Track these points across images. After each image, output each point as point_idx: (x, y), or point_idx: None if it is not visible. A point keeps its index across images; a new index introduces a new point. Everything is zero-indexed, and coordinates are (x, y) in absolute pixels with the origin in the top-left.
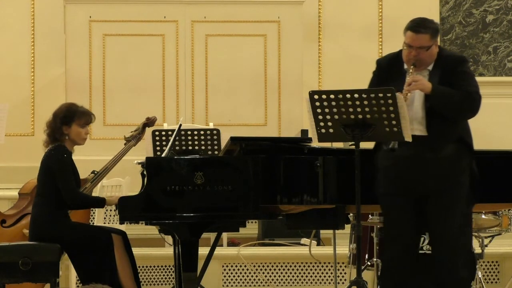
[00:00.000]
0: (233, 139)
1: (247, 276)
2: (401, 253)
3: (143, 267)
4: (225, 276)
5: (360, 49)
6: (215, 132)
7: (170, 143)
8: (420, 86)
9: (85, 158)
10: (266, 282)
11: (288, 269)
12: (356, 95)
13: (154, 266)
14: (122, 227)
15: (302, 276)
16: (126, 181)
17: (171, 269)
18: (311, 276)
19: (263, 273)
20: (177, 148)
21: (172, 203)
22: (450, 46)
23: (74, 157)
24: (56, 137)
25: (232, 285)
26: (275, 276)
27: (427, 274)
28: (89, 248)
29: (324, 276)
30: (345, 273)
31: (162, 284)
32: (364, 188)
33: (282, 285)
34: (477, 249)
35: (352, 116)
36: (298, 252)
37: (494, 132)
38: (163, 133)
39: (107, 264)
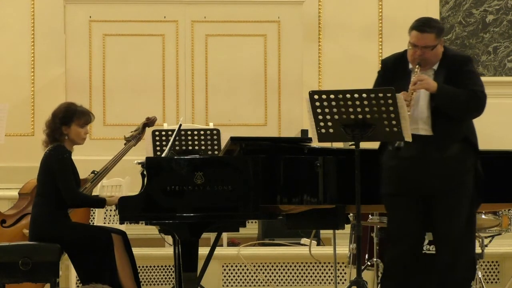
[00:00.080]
0: (233, 139)
1: (247, 276)
2: (405, 253)
3: (143, 267)
4: (225, 276)
5: (360, 49)
6: (215, 132)
7: (170, 143)
8: (426, 85)
9: (85, 158)
10: (266, 282)
11: (288, 269)
12: (356, 95)
13: (154, 266)
14: (122, 227)
15: (302, 276)
16: (126, 181)
17: (171, 269)
18: (311, 276)
19: (263, 273)
20: (177, 148)
21: (172, 203)
22: (450, 46)
23: (74, 157)
24: (55, 137)
25: (232, 285)
26: (275, 276)
27: (428, 274)
28: (89, 248)
29: (324, 276)
30: (345, 273)
31: (162, 284)
32: (364, 188)
33: (282, 285)
34: (477, 249)
35: (352, 116)
36: (298, 252)
37: (494, 132)
38: (163, 133)
39: (107, 264)
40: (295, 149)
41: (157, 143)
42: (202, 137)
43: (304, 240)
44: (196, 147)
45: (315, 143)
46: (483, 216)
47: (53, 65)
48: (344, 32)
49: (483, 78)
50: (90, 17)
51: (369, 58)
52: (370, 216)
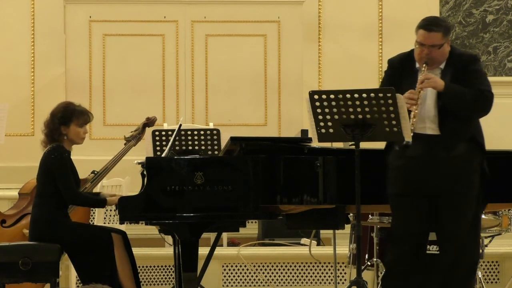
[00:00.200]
0: (233, 139)
1: (247, 276)
2: (406, 254)
3: (143, 267)
4: (225, 276)
5: (360, 49)
6: (215, 132)
7: (170, 143)
8: (433, 84)
9: (85, 158)
10: (266, 282)
11: (288, 269)
12: (356, 95)
13: (154, 266)
14: (122, 227)
15: (302, 276)
16: (126, 181)
17: (171, 269)
18: (311, 276)
19: (263, 273)
20: (177, 148)
21: (172, 203)
22: None
23: (74, 157)
24: (54, 137)
25: (232, 285)
26: (275, 276)
27: (430, 274)
28: (89, 248)
29: (324, 276)
30: (345, 273)
31: (162, 284)
32: (364, 188)
33: (282, 285)
34: None
35: (352, 116)
36: (298, 252)
37: (494, 132)
38: (163, 133)
39: (107, 264)
40: (295, 149)
41: (157, 143)
42: (202, 137)
43: (304, 240)
44: (196, 147)
45: (315, 143)
46: (483, 216)
47: (53, 65)
48: (344, 32)
49: None
50: (90, 17)
51: (369, 58)
52: (370, 216)
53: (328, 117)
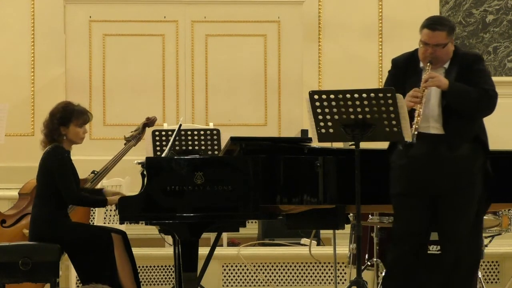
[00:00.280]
0: (233, 139)
1: (247, 276)
2: (407, 254)
3: (143, 267)
4: (225, 276)
5: (360, 49)
6: (215, 132)
7: (170, 143)
8: (437, 83)
9: (85, 158)
10: (266, 282)
11: (288, 269)
12: (356, 95)
13: (154, 266)
14: (122, 227)
15: (302, 276)
16: (126, 181)
17: (171, 269)
18: (311, 276)
19: (263, 273)
20: (177, 148)
21: (172, 203)
22: None
23: (74, 157)
24: (54, 137)
25: (232, 285)
26: (275, 276)
27: (431, 273)
28: (89, 248)
29: (324, 276)
30: (345, 273)
31: (162, 284)
32: (364, 188)
33: (282, 285)
34: None
35: (352, 116)
36: (298, 252)
37: (494, 132)
38: (163, 133)
39: (107, 264)
40: (295, 149)
41: (157, 143)
42: (202, 137)
43: (304, 240)
44: (196, 147)
45: (315, 143)
46: (483, 216)
47: (53, 65)
48: (344, 32)
49: None
50: (90, 17)
51: (369, 58)
52: (370, 216)
53: (328, 117)
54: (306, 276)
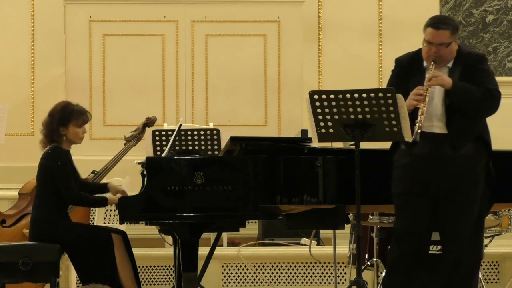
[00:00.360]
0: (233, 139)
1: (247, 276)
2: (408, 253)
3: (143, 267)
4: (225, 276)
5: (360, 49)
6: (215, 132)
7: (170, 143)
8: (441, 81)
9: (85, 158)
10: (266, 282)
11: (288, 269)
12: (356, 95)
13: (154, 266)
14: (122, 227)
15: (302, 276)
16: (126, 181)
17: (171, 269)
18: (311, 276)
19: (263, 273)
20: (177, 148)
21: (172, 203)
22: None
23: (74, 157)
24: (53, 138)
25: (232, 285)
26: (275, 276)
27: (431, 273)
28: (89, 248)
29: (324, 276)
30: (345, 273)
31: (162, 284)
32: (364, 188)
33: (282, 285)
34: None
35: (352, 116)
36: (298, 252)
37: (494, 132)
38: (163, 133)
39: (107, 264)
40: (295, 149)
41: (157, 143)
42: (202, 137)
43: (304, 240)
44: (196, 147)
45: (315, 143)
46: (486, 217)
47: (53, 65)
48: (344, 32)
49: None
50: (90, 17)
51: (369, 58)
52: (370, 216)
53: (328, 117)
54: (306, 276)
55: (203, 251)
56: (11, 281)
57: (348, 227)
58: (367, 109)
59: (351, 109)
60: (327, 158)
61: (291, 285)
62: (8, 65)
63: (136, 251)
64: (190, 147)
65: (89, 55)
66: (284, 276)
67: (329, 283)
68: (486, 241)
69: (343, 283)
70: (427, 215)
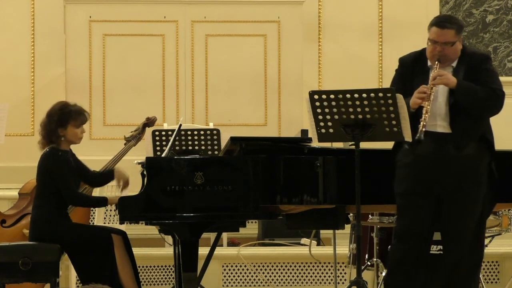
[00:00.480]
0: (233, 139)
1: (247, 276)
2: (409, 253)
3: (143, 267)
4: (225, 276)
5: (360, 49)
6: (215, 132)
7: (170, 143)
8: (445, 81)
9: (85, 158)
10: (266, 282)
11: (288, 269)
12: (356, 95)
13: (154, 266)
14: (122, 227)
15: (302, 276)
16: None
17: (171, 269)
18: (311, 276)
19: (263, 273)
20: (177, 148)
21: (172, 203)
22: None
23: None
24: (52, 139)
25: (232, 285)
26: (275, 276)
27: (432, 273)
28: (89, 248)
29: (324, 276)
30: (345, 273)
31: (162, 284)
32: (364, 188)
33: (282, 285)
34: None
35: (352, 116)
36: (298, 252)
37: (495, 132)
38: (163, 133)
39: (107, 264)
40: (295, 149)
41: (157, 143)
42: (202, 137)
43: (304, 240)
44: (196, 147)
45: (315, 143)
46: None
47: (53, 65)
48: (344, 32)
49: None
50: (90, 17)
51: (369, 58)
52: (370, 216)
53: (328, 117)
54: (306, 276)
55: (203, 251)
56: (11, 281)
57: (348, 227)
58: (367, 109)
59: (351, 109)
60: (327, 158)
61: (291, 285)
62: (8, 65)
63: (136, 251)
64: (190, 147)
65: (89, 55)
66: (284, 276)
67: (329, 283)
68: (486, 241)
69: (343, 283)
70: (429, 215)
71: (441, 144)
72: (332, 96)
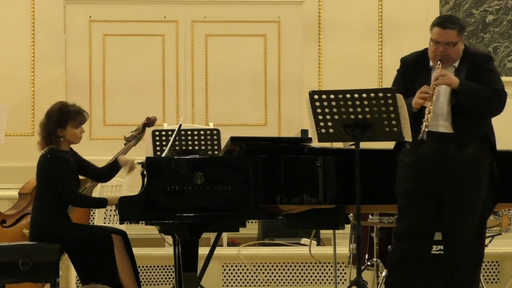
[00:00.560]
0: (233, 139)
1: (247, 276)
2: (411, 253)
3: (143, 267)
4: (225, 276)
5: (360, 49)
6: (215, 132)
7: (170, 143)
8: (448, 81)
9: (85, 158)
10: (266, 282)
11: (288, 269)
12: (356, 95)
13: (154, 266)
14: (122, 227)
15: (302, 276)
16: (126, 181)
17: (171, 269)
18: (311, 276)
19: (263, 273)
20: (177, 148)
21: (172, 203)
22: None
23: None
24: (51, 140)
25: (232, 285)
26: (275, 276)
27: (433, 273)
28: (89, 248)
29: (324, 276)
30: (345, 273)
31: (162, 284)
32: (364, 188)
33: (282, 285)
34: None
35: (352, 116)
36: (298, 252)
37: (496, 132)
38: (163, 133)
39: (107, 264)
40: (295, 149)
41: (157, 143)
42: (202, 137)
43: (304, 240)
44: (196, 147)
45: (315, 143)
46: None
47: (53, 65)
48: (344, 32)
49: None
50: (90, 17)
51: (369, 58)
52: (370, 216)
53: (328, 117)
54: (306, 276)
55: (203, 251)
56: (11, 281)
57: (348, 227)
58: (367, 109)
59: (351, 109)
60: (327, 158)
61: (291, 285)
62: (8, 65)
63: (136, 251)
64: (190, 147)
65: (89, 55)
66: (284, 276)
67: (329, 283)
68: (486, 241)
69: (343, 283)
70: (430, 215)
71: (443, 144)
72: (332, 96)
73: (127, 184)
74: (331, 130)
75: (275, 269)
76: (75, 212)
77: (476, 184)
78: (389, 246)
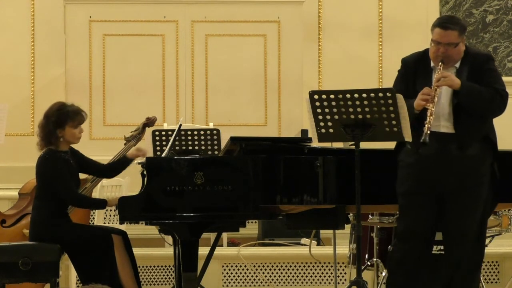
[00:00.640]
0: (233, 139)
1: (247, 276)
2: (413, 253)
3: (143, 267)
4: (225, 276)
5: (360, 49)
6: (215, 132)
7: (170, 143)
8: (449, 82)
9: None
10: (266, 282)
11: (288, 269)
12: (356, 95)
13: (154, 266)
14: (122, 227)
15: (302, 276)
16: (126, 181)
17: (171, 269)
18: (311, 276)
19: (263, 273)
20: (177, 148)
21: (172, 203)
22: None
23: None
24: (50, 140)
25: (232, 285)
26: (275, 276)
27: (433, 274)
28: (89, 248)
29: (324, 276)
30: (345, 273)
31: (162, 284)
32: (364, 188)
33: (282, 285)
34: None
35: (352, 116)
36: (298, 252)
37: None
38: (163, 133)
39: (107, 264)
40: (295, 149)
41: (157, 143)
42: (202, 137)
43: (304, 240)
44: (196, 147)
45: (315, 143)
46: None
47: (53, 65)
48: (344, 32)
49: None
50: (90, 17)
51: (369, 58)
52: (370, 216)
53: (328, 117)
54: (306, 276)
55: (203, 251)
56: (11, 281)
57: (348, 227)
58: (367, 109)
59: (351, 109)
60: (327, 158)
61: (291, 285)
62: (8, 65)
63: (136, 251)
64: (190, 147)
65: (89, 55)
66: (284, 276)
67: (329, 283)
68: (486, 241)
69: (343, 283)
70: (431, 215)
71: (444, 144)
72: (332, 96)
73: (127, 184)
74: (331, 130)
75: (275, 269)
76: (75, 212)
77: (477, 184)
78: (389, 246)
